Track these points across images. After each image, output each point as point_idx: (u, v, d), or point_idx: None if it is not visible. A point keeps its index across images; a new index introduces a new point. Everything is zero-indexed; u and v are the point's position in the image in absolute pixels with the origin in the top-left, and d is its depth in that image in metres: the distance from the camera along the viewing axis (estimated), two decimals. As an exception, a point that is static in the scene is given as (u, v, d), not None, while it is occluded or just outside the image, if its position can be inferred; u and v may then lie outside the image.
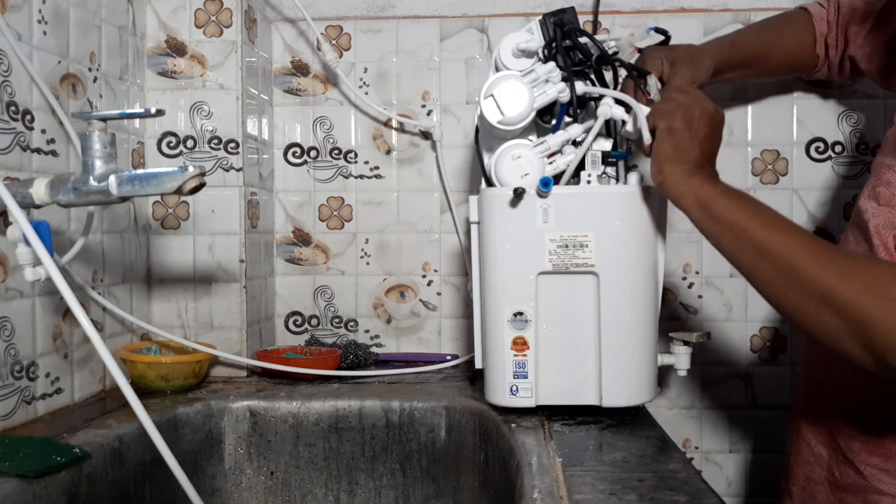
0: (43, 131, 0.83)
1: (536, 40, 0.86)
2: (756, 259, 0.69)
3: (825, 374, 0.83)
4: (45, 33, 0.84)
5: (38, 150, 0.83)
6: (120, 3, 0.99)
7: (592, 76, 0.86)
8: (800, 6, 1.02)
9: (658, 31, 0.85)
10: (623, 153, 0.85)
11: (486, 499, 0.86)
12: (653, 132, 0.78)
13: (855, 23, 0.94)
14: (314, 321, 1.24)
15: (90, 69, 0.93)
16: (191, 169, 0.67)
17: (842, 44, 0.96)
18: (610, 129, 0.86)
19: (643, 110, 0.78)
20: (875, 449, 0.76)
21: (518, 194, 0.79)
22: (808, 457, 0.85)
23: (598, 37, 0.86)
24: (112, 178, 0.68)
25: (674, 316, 1.21)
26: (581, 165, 0.84)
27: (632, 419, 0.82)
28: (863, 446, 0.77)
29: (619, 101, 0.81)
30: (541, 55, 0.86)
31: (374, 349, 1.20)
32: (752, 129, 1.20)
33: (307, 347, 1.16)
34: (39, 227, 0.65)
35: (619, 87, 0.88)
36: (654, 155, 0.77)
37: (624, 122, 0.81)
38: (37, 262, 0.67)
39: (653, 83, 0.82)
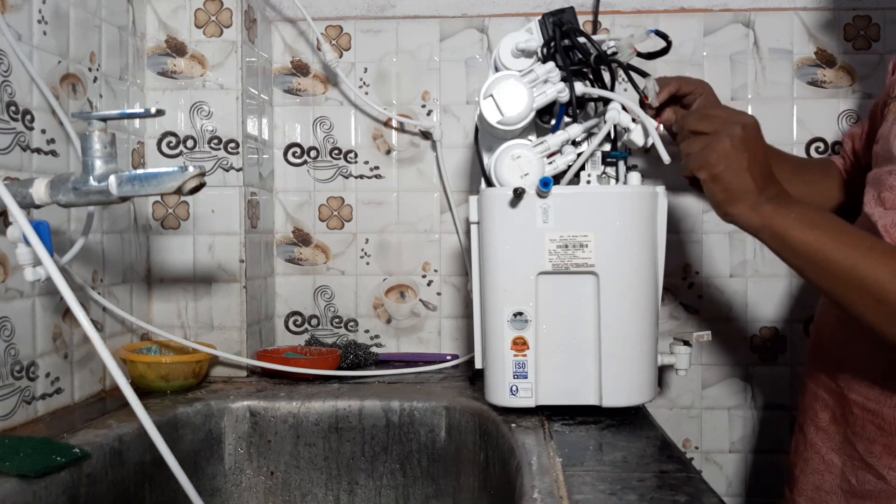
0: (43, 131, 0.83)
1: (536, 40, 0.86)
2: (843, 288, 0.67)
3: (836, 377, 0.81)
4: (45, 33, 0.84)
5: (38, 150, 0.83)
6: (120, 3, 1.00)
7: (591, 76, 0.86)
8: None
9: (659, 34, 0.85)
10: (623, 153, 0.85)
11: (486, 499, 0.86)
12: (693, 179, 0.76)
13: (857, 139, 0.95)
14: (314, 321, 1.24)
15: (90, 69, 0.93)
16: (191, 169, 0.67)
17: (854, 163, 0.97)
18: (610, 128, 0.86)
19: (652, 124, 0.79)
20: None
21: (518, 194, 0.79)
22: (817, 465, 0.83)
23: (598, 37, 0.86)
24: (112, 178, 0.68)
25: (674, 316, 1.21)
26: (581, 165, 0.84)
27: (632, 419, 0.82)
28: (885, 449, 0.75)
29: (625, 109, 0.81)
30: (540, 55, 0.86)
31: (374, 349, 1.20)
32: (752, 129, 1.19)
33: (307, 347, 1.16)
34: (39, 227, 0.65)
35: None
36: (711, 202, 0.75)
37: (627, 130, 0.82)
38: (37, 262, 0.67)
39: (650, 86, 0.82)
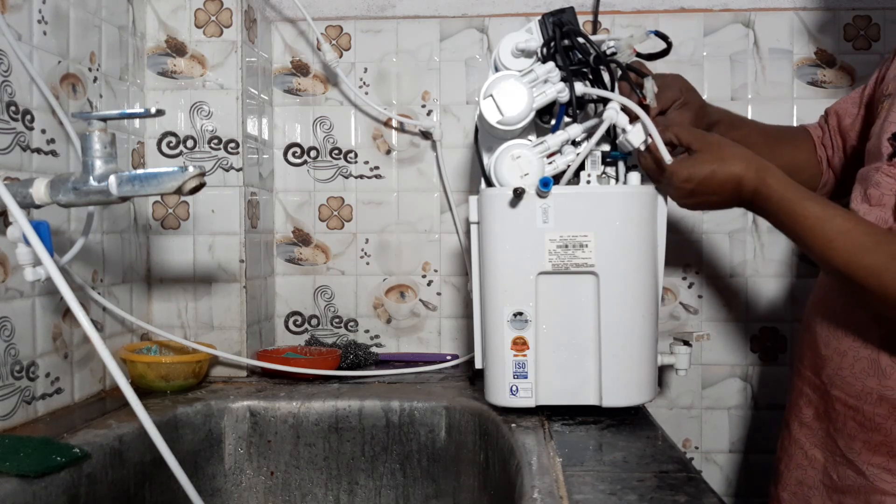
0: (43, 131, 0.83)
1: (536, 40, 0.86)
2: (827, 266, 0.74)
3: (820, 373, 0.82)
4: (45, 33, 0.84)
5: (38, 150, 0.83)
6: (120, 3, 1.00)
7: (591, 76, 0.86)
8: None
9: (658, 35, 0.85)
10: (623, 153, 0.85)
11: (486, 499, 0.86)
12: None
13: (847, 117, 0.94)
14: (314, 321, 1.24)
15: (90, 69, 0.93)
16: (191, 169, 0.67)
17: (839, 142, 0.95)
18: (610, 129, 0.86)
19: (651, 124, 0.79)
20: (877, 448, 0.75)
21: (518, 194, 0.79)
22: (800, 460, 0.85)
23: (598, 37, 0.86)
24: (112, 178, 0.68)
25: (674, 316, 1.21)
26: (581, 165, 0.84)
27: (632, 419, 0.82)
28: (864, 446, 0.76)
29: (624, 108, 0.81)
30: (540, 55, 0.86)
31: (374, 349, 1.20)
32: (752, 129, 1.19)
33: (307, 347, 1.16)
34: (39, 227, 0.65)
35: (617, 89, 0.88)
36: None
37: (624, 131, 0.82)
38: (37, 262, 0.67)
39: (649, 87, 0.82)
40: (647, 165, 0.82)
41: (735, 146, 0.79)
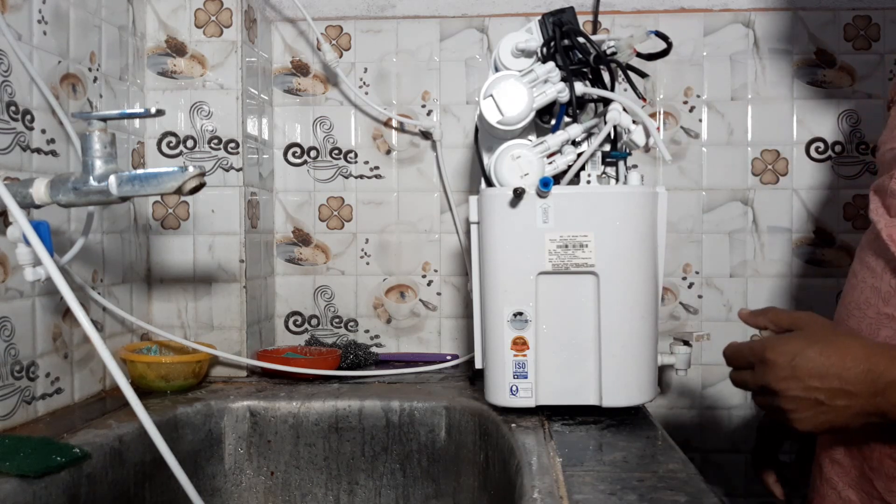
0: (43, 131, 0.83)
1: (536, 40, 0.86)
2: None
3: None
4: (45, 33, 0.84)
5: (38, 150, 0.83)
6: (120, 3, 1.00)
7: (591, 76, 0.86)
8: None
9: (658, 35, 0.85)
10: (623, 153, 0.85)
11: (486, 499, 0.86)
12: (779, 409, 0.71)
13: None
14: (314, 321, 1.24)
15: (90, 69, 0.93)
16: (191, 169, 0.67)
17: None
18: (611, 130, 0.86)
19: (653, 124, 0.79)
20: None
21: (518, 194, 0.79)
22: (833, 501, 0.78)
23: (598, 37, 0.86)
24: (112, 178, 0.68)
25: (674, 316, 1.21)
26: (581, 165, 0.84)
27: (632, 419, 0.82)
28: None
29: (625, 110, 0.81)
30: (540, 55, 0.86)
31: (374, 349, 1.20)
32: (752, 129, 1.20)
33: (307, 347, 1.16)
34: (39, 227, 0.65)
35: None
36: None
37: (628, 130, 0.82)
38: (37, 262, 0.67)
39: (649, 87, 0.82)
40: (739, 371, 0.76)
41: (848, 334, 0.71)
